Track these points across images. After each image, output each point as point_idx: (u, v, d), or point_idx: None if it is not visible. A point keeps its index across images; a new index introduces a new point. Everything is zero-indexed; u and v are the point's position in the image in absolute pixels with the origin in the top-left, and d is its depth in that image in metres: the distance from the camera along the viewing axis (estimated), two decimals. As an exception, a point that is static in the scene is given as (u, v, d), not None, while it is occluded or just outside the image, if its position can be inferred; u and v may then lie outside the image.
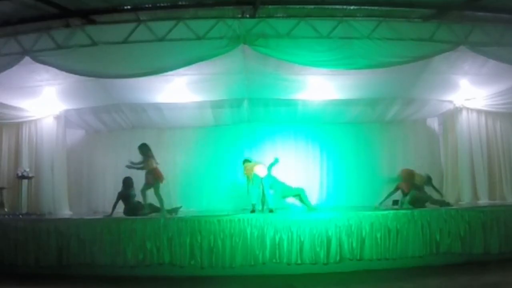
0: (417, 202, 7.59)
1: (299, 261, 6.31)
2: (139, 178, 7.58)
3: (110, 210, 7.72)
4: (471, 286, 5.49)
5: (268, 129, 10.39)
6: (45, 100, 8.74)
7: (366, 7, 6.60)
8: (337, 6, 6.61)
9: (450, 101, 9.62)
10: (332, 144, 10.53)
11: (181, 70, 7.14)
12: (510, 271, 6.12)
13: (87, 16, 6.53)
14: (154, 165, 7.30)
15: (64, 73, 7.10)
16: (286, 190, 8.20)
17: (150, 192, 7.38)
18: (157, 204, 7.33)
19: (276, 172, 8.24)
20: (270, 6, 6.55)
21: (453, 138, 9.88)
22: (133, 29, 6.59)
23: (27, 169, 9.17)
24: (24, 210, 8.87)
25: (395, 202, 8.24)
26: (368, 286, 5.77)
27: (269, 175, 7.91)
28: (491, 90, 8.96)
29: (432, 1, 6.47)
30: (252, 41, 6.58)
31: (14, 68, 6.78)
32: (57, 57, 6.72)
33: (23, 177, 9.08)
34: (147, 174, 7.26)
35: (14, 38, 6.73)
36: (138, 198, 7.66)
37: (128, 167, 7.41)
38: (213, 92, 8.69)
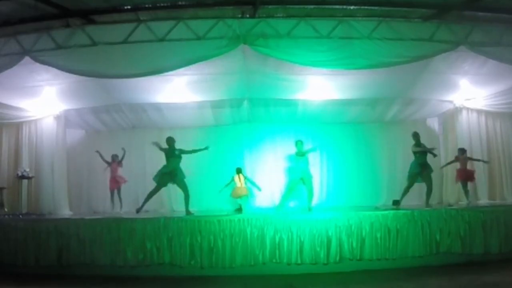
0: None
1: (299, 261, 6.30)
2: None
3: (110, 209, 7.77)
4: (471, 286, 5.48)
5: (268, 129, 10.39)
6: (45, 100, 8.75)
7: (366, 7, 6.59)
8: (337, 6, 6.61)
9: (450, 101, 9.63)
10: (332, 144, 10.53)
11: (181, 70, 7.14)
12: (510, 271, 6.11)
13: (87, 16, 6.53)
14: None
15: (64, 73, 7.09)
16: None
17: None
18: None
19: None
20: (270, 6, 6.55)
21: (453, 138, 9.88)
22: (133, 29, 6.58)
23: (27, 169, 9.18)
24: (24, 210, 8.88)
25: (395, 202, 8.24)
26: (368, 286, 5.75)
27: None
28: (491, 90, 8.96)
29: (432, 1, 6.48)
30: (252, 41, 6.58)
31: (14, 68, 6.78)
32: (57, 57, 6.72)
33: (23, 177, 9.08)
34: None
35: (14, 38, 6.73)
36: None
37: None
38: (213, 92, 8.69)
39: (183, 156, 7.87)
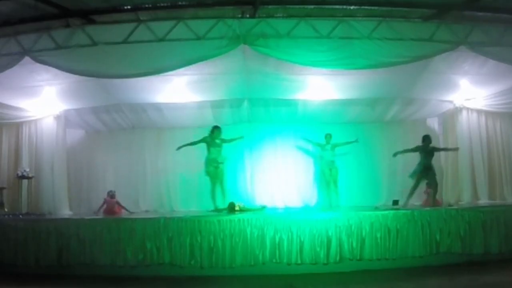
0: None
1: (299, 261, 6.30)
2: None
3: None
4: (471, 286, 5.48)
5: (268, 129, 10.39)
6: (45, 100, 8.74)
7: (366, 7, 6.60)
8: (337, 6, 6.61)
9: (450, 101, 9.62)
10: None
11: (181, 70, 7.14)
12: (510, 271, 6.11)
13: (87, 16, 6.54)
14: None
15: (64, 73, 7.09)
16: None
17: None
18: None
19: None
20: (270, 6, 6.55)
21: (453, 138, 9.88)
22: (133, 29, 6.59)
23: (27, 169, 9.17)
24: (24, 210, 8.87)
25: (395, 202, 8.24)
26: (368, 286, 5.76)
27: None
28: (491, 90, 8.96)
29: (432, 1, 6.48)
30: (252, 41, 6.58)
31: (14, 68, 6.78)
32: (57, 57, 6.72)
33: (23, 177, 9.07)
34: None
35: (14, 38, 6.73)
36: None
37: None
38: (213, 92, 8.69)
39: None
